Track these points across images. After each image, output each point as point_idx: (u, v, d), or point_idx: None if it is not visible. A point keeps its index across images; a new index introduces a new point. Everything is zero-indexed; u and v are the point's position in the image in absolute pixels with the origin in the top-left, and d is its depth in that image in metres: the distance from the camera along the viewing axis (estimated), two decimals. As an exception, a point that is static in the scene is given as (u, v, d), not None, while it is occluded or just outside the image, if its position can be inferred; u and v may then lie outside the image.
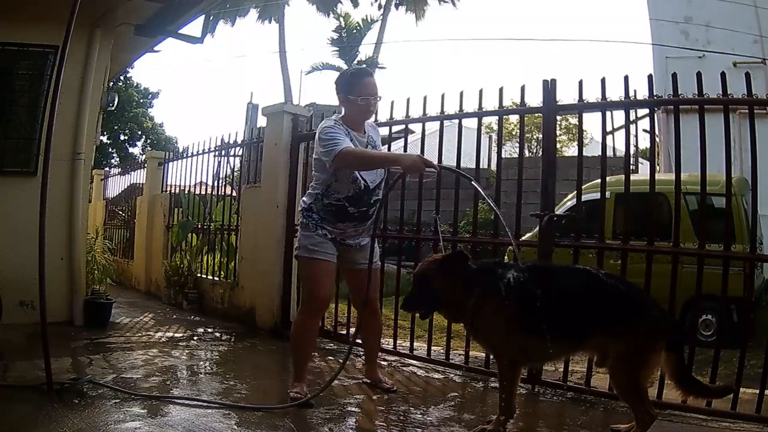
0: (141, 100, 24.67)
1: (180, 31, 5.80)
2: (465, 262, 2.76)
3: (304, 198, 3.34)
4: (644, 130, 12.72)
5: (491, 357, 3.89)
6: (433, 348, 4.25)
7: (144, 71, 63.47)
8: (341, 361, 3.43)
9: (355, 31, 20.08)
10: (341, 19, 20.27)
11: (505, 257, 5.63)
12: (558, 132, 5.44)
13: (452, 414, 3.08)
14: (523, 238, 4.28)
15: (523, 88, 3.83)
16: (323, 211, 3.21)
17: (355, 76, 3.31)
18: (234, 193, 6.84)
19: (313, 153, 3.29)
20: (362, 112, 3.25)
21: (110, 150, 23.80)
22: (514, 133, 15.93)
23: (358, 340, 3.74)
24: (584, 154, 4.25)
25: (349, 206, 3.19)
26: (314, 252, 3.18)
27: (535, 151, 15.20)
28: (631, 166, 8.09)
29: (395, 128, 5.17)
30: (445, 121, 4.28)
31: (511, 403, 2.75)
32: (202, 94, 61.94)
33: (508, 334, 2.65)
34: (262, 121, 6.22)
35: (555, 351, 2.72)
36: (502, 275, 2.69)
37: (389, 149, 6.47)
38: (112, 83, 8.39)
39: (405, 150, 4.85)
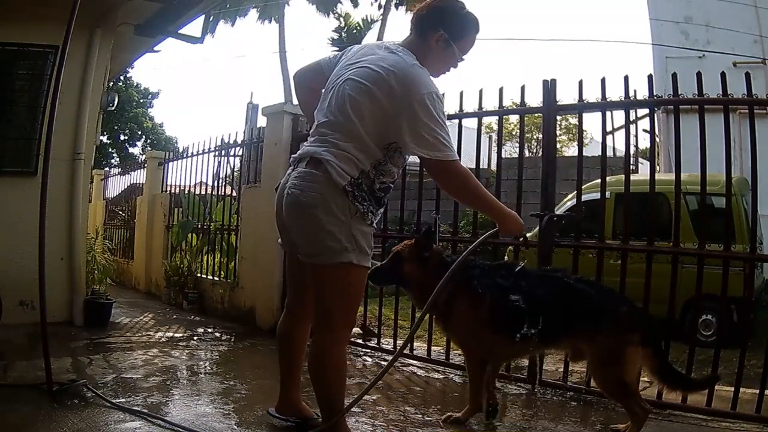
0: (141, 100, 24.69)
1: (180, 31, 5.80)
2: (432, 250, 2.84)
3: (340, 164, 2.13)
4: (644, 130, 12.73)
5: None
6: (433, 348, 4.26)
7: (144, 71, 63.48)
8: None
9: (355, 31, 20.05)
10: (341, 19, 20.25)
11: (505, 257, 5.63)
12: (558, 132, 5.45)
13: (452, 414, 3.08)
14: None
15: (523, 88, 3.83)
16: (370, 192, 2.21)
17: (474, 24, 2.37)
18: (234, 193, 6.84)
19: (364, 105, 2.16)
20: (441, 69, 2.36)
21: (110, 150, 23.81)
22: (514, 133, 15.96)
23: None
24: (584, 154, 4.25)
25: (392, 188, 2.34)
26: (369, 258, 2.25)
27: (535, 151, 15.23)
28: (631, 166, 8.10)
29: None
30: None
31: (480, 396, 2.87)
32: (202, 94, 61.93)
33: (478, 333, 2.76)
34: (262, 121, 6.22)
35: (523, 350, 2.92)
36: (475, 273, 2.80)
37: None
38: (112, 83, 8.38)
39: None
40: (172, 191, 7.75)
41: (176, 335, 4.95)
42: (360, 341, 4.63)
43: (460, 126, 4.15)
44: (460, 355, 4.20)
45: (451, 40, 2.29)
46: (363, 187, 2.17)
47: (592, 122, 43.62)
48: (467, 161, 4.69)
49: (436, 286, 2.56)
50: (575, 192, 4.07)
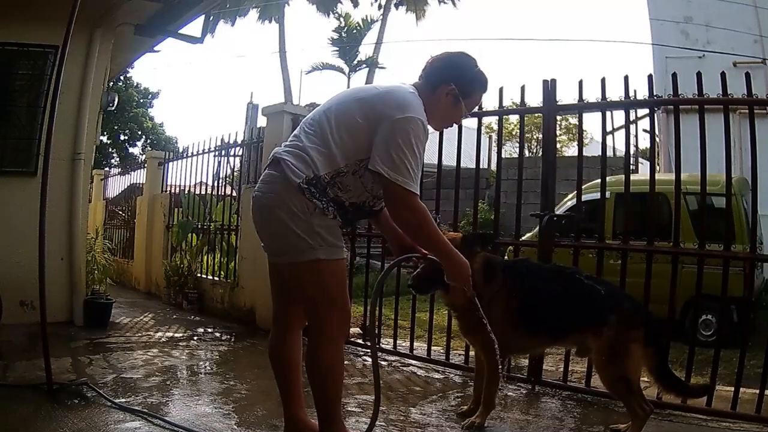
0: (141, 100, 24.67)
1: (180, 31, 5.80)
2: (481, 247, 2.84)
3: (296, 163, 2.14)
4: (644, 130, 12.73)
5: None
6: (433, 348, 4.25)
7: (144, 71, 63.55)
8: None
9: (355, 31, 20.06)
10: (341, 19, 20.26)
11: (504, 257, 5.63)
12: (558, 132, 5.46)
13: (452, 414, 3.08)
14: (523, 238, 4.28)
15: (523, 88, 3.83)
16: (322, 192, 2.15)
17: (483, 83, 2.39)
18: (234, 193, 6.84)
19: (351, 111, 2.17)
20: (444, 124, 2.40)
21: (110, 150, 23.80)
22: (514, 133, 15.96)
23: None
24: (584, 154, 4.25)
25: (350, 213, 2.27)
26: (340, 249, 2.19)
27: (535, 151, 15.23)
28: (631, 166, 8.09)
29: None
30: (445, 121, 4.27)
31: (496, 395, 2.90)
32: (202, 94, 61.97)
33: (504, 329, 2.74)
34: (262, 121, 6.23)
35: (535, 345, 3.03)
36: (502, 270, 2.85)
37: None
38: (112, 83, 8.39)
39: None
40: (172, 191, 7.75)
41: (176, 335, 4.95)
42: (360, 341, 4.63)
43: (459, 126, 4.13)
44: (460, 354, 4.20)
45: (461, 95, 2.29)
46: (318, 187, 2.13)
47: (592, 122, 43.66)
48: (467, 161, 4.71)
49: (480, 285, 2.57)
50: (575, 192, 4.07)
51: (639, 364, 2.68)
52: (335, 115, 2.19)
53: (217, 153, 6.68)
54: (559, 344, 3.10)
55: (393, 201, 2.16)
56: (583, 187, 3.91)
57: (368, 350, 4.48)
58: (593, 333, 2.70)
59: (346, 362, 3.24)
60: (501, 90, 3.93)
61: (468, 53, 2.38)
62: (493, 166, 12.76)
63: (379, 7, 20.88)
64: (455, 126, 2.67)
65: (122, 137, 24.21)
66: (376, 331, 4.60)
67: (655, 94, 3.46)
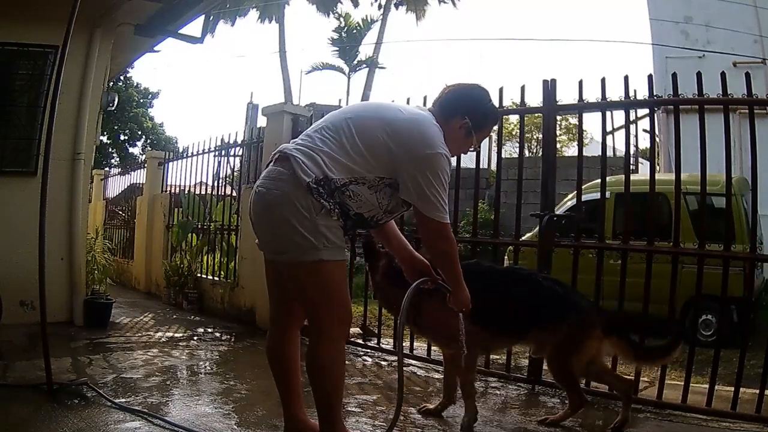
0: (141, 100, 24.65)
1: (180, 31, 5.80)
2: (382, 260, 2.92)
3: (307, 162, 2.12)
4: (644, 130, 12.72)
5: (490, 357, 3.91)
6: (433, 348, 4.25)
7: (144, 71, 63.55)
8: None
9: (355, 31, 20.08)
10: (341, 19, 20.28)
11: (505, 257, 5.63)
12: (558, 132, 5.46)
13: (452, 414, 3.08)
14: (523, 238, 4.28)
15: (523, 88, 3.83)
16: (330, 195, 2.14)
17: (494, 117, 2.50)
18: (234, 193, 6.85)
19: (374, 135, 2.18)
20: (455, 152, 2.43)
21: (110, 150, 23.78)
22: (514, 133, 15.94)
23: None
24: (584, 154, 4.25)
25: (350, 221, 2.23)
26: (342, 250, 2.21)
27: (535, 151, 15.20)
28: (631, 166, 8.10)
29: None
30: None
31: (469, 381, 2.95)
32: (202, 94, 61.93)
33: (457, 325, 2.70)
34: (262, 121, 6.23)
35: (497, 344, 3.15)
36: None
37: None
38: (112, 83, 8.39)
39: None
40: (172, 191, 7.75)
41: (176, 335, 4.95)
42: (360, 341, 4.63)
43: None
44: (460, 355, 4.20)
45: (473, 129, 2.36)
46: (326, 188, 2.12)
47: (592, 122, 43.60)
48: (467, 161, 4.70)
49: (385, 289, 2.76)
50: (575, 192, 4.07)
51: (589, 357, 2.82)
52: (355, 126, 2.19)
53: (217, 153, 6.69)
54: (521, 343, 3.17)
55: (430, 233, 2.25)
56: (583, 187, 3.91)
57: (368, 350, 4.49)
58: (550, 332, 2.82)
59: (346, 362, 3.23)
60: (501, 90, 3.93)
61: (481, 86, 2.45)
62: (493, 166, 12.75)
63: (379, 7, 20.88)
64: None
65: (122, 137, 24.18)
66: (376, 331, 4.60)
67: (655, 94, 3.46)
